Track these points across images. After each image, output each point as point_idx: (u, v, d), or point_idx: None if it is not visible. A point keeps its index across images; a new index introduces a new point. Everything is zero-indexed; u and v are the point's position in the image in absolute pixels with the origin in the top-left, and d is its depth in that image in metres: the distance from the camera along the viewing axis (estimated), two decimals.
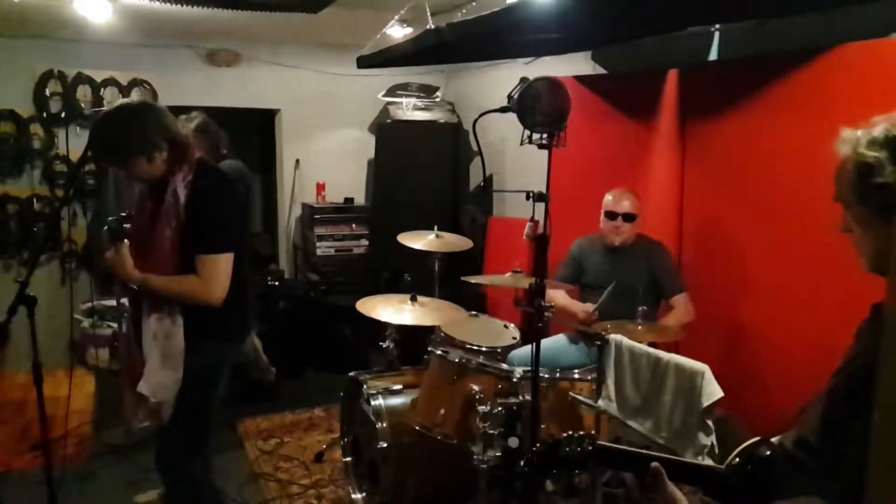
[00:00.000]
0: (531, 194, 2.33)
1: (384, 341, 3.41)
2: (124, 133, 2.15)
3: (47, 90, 4.79)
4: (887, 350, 0.76)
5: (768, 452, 1.28)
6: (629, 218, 3.20)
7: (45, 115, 4.80)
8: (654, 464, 1.23)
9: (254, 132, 6.49)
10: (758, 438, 1.31)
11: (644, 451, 1.30)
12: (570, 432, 1.28)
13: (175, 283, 2.20)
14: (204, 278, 2.19)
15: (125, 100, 2.42)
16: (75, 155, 4.75)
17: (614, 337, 2.50)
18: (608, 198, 3.26)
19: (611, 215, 3.20)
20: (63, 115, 4.81)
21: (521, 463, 1.28)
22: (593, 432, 1.26)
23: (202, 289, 2.19)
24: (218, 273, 2.20)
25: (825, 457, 1.16)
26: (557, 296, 3.26)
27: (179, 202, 2.17)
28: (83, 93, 4.87)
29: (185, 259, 2.20)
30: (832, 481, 1.08)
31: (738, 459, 1.29)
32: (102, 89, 4.92)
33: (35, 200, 4.85)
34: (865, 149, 1.14)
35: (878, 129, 1.14)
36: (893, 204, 1.11)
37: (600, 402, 2.47)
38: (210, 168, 2.33)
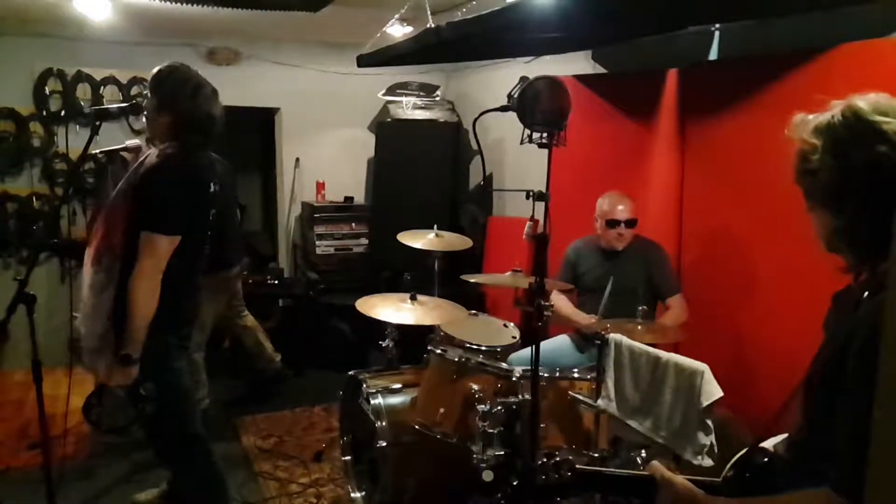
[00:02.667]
0: (531, 193, 2.33)
1: (384, 340, 3.40)
2: (168, 74, 2.37)
3: (47, 88, 4.78)
4: (887, 348, 0.76)
5: (765, 460, 1.28)
6: (631, 224, 3.19)
7: (44, 113, 4.79)
8: (653, 463, 1.23)
9: (254, 131, 6.49)
10: (749, 448, 1.31)
11: (628, 471, 1.29)
12: (545, 458, 1.26)
13: (131, 307, 2.20)
14: (141, 254, 2.20)
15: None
16: (75, 153, 4.75)
17: (614, 336, 2.50)
18: (603, 205, 3.24)
19: (613, 223, 3.19)
20: (63, 113, 4.81)
21: (499, 496, 1.28)
22: (571, 458, 1.24)
23: (138, 273, 2.19)
24: (156, 252, 2.21)
25: (816, 449, 1.16)
26: (561, 304, 3.26)
27: (143, 167, 2.29)
28: (83, 91, 4.87)
29: (133, 231, 2.22)
30: (827, 470, 1.08)
31: (733, 471, 1.29)
32: (102, 87, 4.92)
33: (34, 199, 4.85)
34: (808, 135, 1.15)
35: (825, 116, 1.16)
36: (818, 191, 1.14)
37: (600, 402, 2.47)
38: (185, 158, 2.34)
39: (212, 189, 2.44)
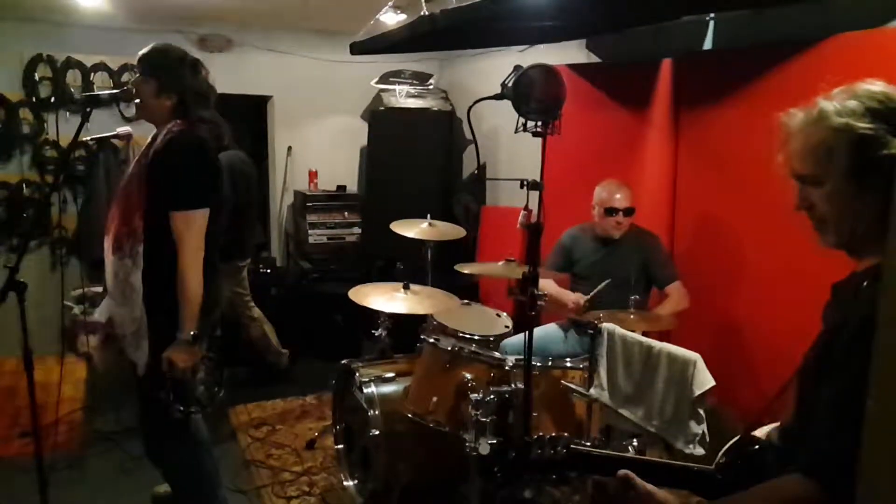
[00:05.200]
0: (525, 183, 2.32)
1: (376, 329, 3.40)
2: (164, 54, 2.36)
3: (36, 74, 4.72)
4: (882, 340, 0.76)
5: (756, 447, 1.28)
6: (629, 212, 3.20)
7: (34, 99, 4.73)
8: (621, 472, 1.20)
9: (246, 119, 6.44)
10: (741, 435, 1.32)
11: (625, 455, 1.29)
12: (541, 433, 1.26)
13: (181, 289, 2.20)
14: (180, 235, 2.19)
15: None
16: (65, 140, 4.70)
17: (607, 326, 2.51)
18: (602, 193, 3.23)
19: (611, 211, 3.19)
20: (52, 99, 4.76)
21: (495, 469, 1.28)
22: (566, 434, 1.24)
23: (185, 254, 2.18)
24: (195, 228, 2.20)
25: (803, 435, 1.16)
26: (547, 285, 3.26)
27: (153, 147, 2.27)
28: (73, 77, 4.81)
29: (151, 213, 2.21)
30: (811, 457, 1.09)
31: (724, 458, 1.29)
32: (92, 74, 4.86)
33: (24, 186, 4.80)
34: (856, 121, 1.10)
35: (852, 103, 1.12)
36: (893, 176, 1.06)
37: (592, 391, 2.48)
38: (194, 136, 2.32)
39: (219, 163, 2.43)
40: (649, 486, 1.19)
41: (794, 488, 1.07)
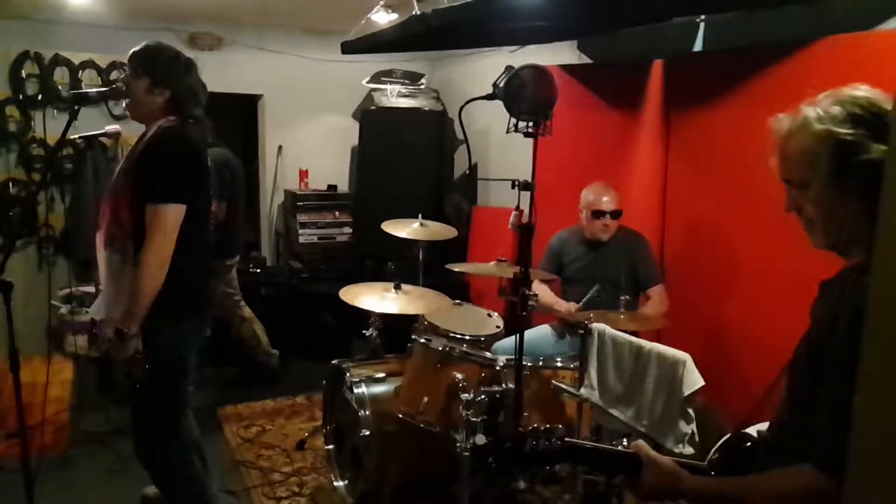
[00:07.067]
0: (516, 183, 2.33)
1: (367, 329, 3.40)
2: (158, 52, 2.35)
3: (23, 72, 4.67)
4: (871, 335, 0.77)
5: (748, 444, 1.30)
6: (616, 215, 3.20)
7: (21, 97, 4.69)
8: (634, 443, 1.25)
9: (236, 118, 6.42)
10: (733, 433, 1.33)
11: (619, 448, 1.30)
12: (536, 425, 1.27)
13: (136, 281, 2.17)
14: (149, 228, 2.18)
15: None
16: (52, 138, 4.66)
17: (597, 326, 2.52)
18: (588, 196, 3.24)
19: (598, 214, 3.20)
20: (40, 97, 4.71)
21: (490, 460, 1.28)
22: (560, 426, 1.25)
23: (148, 247, 2.16)
24: (164, 222, 2.18)
25: (798, 429, 1.17)
26: (542, 292, 3.27)
27: (142, 143, 2.27)
28: (60, 75, 4.77)
29: (139, 209, 2.20)
30: (809, 450, 1.10)
31: (717, 454, 1.31)
32: (80, 72, 4.82)
33: (11, 184, 4.75)
34: (837, 127, 1.13)
35: (835, 109, 1.14)
36: (875, 180, 1.10)
37: (582, 391, 2.48)
38: (182, 133, 2.31)
39: (209, 163, 2.42)
40: (661, 458, 1.23)
41: (808, 479, 1.09)
